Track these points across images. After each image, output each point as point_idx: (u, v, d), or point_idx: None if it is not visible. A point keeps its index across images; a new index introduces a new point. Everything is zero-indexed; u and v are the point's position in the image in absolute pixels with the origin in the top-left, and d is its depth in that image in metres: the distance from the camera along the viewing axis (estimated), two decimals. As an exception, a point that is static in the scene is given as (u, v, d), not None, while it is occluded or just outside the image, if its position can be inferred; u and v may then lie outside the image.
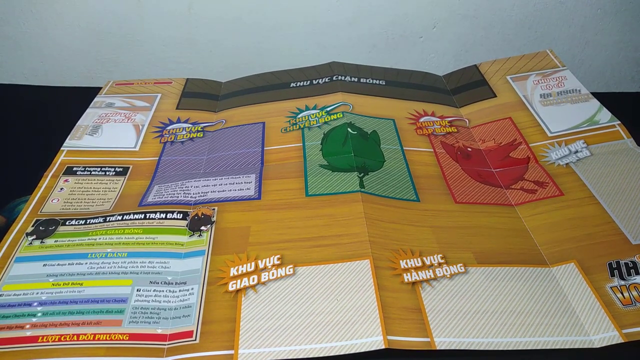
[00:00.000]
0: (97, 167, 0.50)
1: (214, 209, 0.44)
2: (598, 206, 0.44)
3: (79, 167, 0.50)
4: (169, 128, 0.56)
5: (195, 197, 0.45)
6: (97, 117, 0.57)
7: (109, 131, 0.55)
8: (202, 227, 0.42)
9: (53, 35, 0.75)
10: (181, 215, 0.43)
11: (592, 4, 0.76)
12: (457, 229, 0.43)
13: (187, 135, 0.55)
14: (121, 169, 0.50)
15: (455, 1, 0.75)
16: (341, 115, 0.55)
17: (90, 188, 0.47)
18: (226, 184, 0.46)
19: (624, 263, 0.39)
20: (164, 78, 0.67)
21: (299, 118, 0.55)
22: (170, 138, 0.55)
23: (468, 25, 0.78)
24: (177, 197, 0.45)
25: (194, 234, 0.41)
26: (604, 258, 0.40)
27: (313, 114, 0.56)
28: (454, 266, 0.39)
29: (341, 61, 0.67)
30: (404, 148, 0.52)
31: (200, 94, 0.63)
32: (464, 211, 0.45)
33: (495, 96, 0.60)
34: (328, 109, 0.56)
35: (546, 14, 0.77)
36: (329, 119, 0.54)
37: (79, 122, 0.56)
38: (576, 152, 0.50)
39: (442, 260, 0.40)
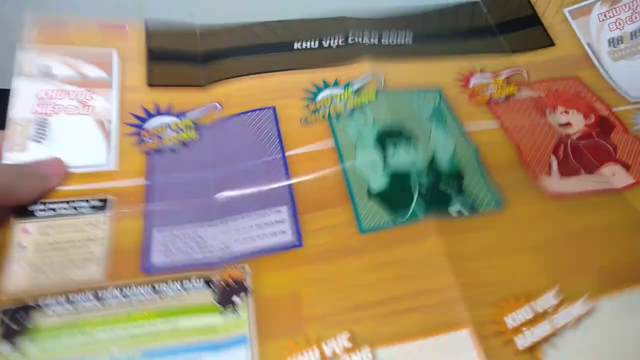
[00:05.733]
0: (64, 201, 0.36)
1: (243, 269, 0.32)
2: None
3: (37, 203, 0.35)
4: (148, 127, 0.41)
5: (216, 252, 0.34)
6: (37, 101, 0.39)
7: (62, 132, 0.39)
8: (235, 298, 0.31)
9: None
10: (202, 282, 0.32)
11: None
12: (564, 239, 0.34)
13: (177, 138, 0.40)
14: (98, 203, 0.36)
15: None
16: (374, 98, 0.41)
17: (63, 241, 0.34)
18: (252, 226, 0.35)
19: None
20: (112, 18, 0.46)
21: (319, 101, 0.42)
22: (155, 144, 0.40)
23: None
24: (191, 252, 0.33)
25: (225, 310, 0.31)
26: None
27: (337, 95, 0.42)
28: (576, 304, 0.30)
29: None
30: (464, 129, 0.40)
31: (172, 54, 0.46)
32: (562, 210, 0.35)
33: (554, 44, 0.47)
34: (355, 86, 0.42)
35: None
36: (359, 102, 0.41)
37: (11, 114, 0.38)
38: (670, 119, 0.40)
39: (558, 300, 0.31)
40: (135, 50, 0.45)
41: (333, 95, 0.42)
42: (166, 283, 0.32)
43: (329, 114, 0.41)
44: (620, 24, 0.46)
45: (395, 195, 0.36)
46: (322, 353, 0.29)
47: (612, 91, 0.43)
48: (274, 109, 0.42)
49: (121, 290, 0.31)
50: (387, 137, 0.39)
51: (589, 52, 0.46)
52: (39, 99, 0.40)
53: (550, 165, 0.39)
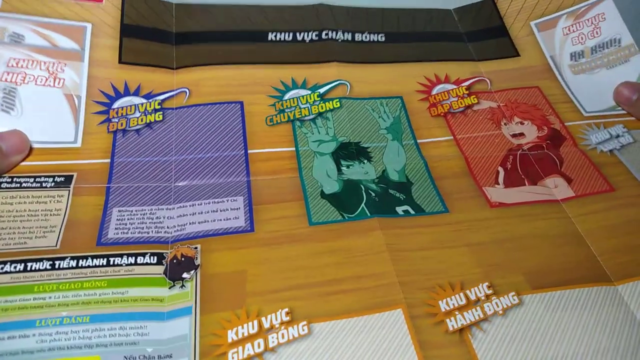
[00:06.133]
0: (30, 176, 0.37)
1: (196, 248, 0.34)
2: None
3: (3, 177, 0.37)
4: (116, 107, 0.42)
5: (171, 232, 0.36)
6: (6, 69, 0.39)
7: (30, 104, 0.39)
8: (185, 274, 0.33)
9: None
10: (155, 258, 0.33)
11: None
12: (499, 244, 0.36)
13: (142, 119, 0.41)
14: (62, 179, 0.37)
15: None
16: (338, 105, 0.44)
17: (25, 210, 0.35)
18: (208, 212, 0.37)
19: None
20: None
21: (286, 102, 0.44)
22: (121, 124, 0.41)
23: None
24: (148, 231, 0.35)
25: (174, 285, 0.32)
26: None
27: (303, 97, 0.44)
28: (505, 297, 0.32)
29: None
30: (418, 141, 0.43)
31: (147, 31, 0.46)
32: (502, 217, 0.38)
33: (519, 55, 0.50)
34: (321, 90, 0.45)
35: None
36: (324, 108, 0.44)
37: None
38: (617, 136, 0.43)
39: (490, 291, 0.33)
40: (109, 25, 0.45)
41: (299, 96, 0.45)
42: (120, 257, 0.33)
43: (294, 116, 0.43)
44: (582, 39, 0.48)
45: (346, 197, 0.39)
46: (260, 326, 0.30)
47: (569, 103, 0.46)
48: (241, 103, 0.44)
49: (76, 260, 0.33)
50: (343, 154, 0.42)
51: (552, 64, 0.49)
52: (8, 67, 0.40)
53: (497, 176, 0.41)
